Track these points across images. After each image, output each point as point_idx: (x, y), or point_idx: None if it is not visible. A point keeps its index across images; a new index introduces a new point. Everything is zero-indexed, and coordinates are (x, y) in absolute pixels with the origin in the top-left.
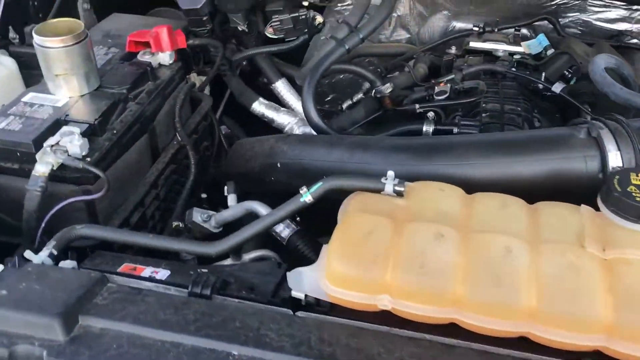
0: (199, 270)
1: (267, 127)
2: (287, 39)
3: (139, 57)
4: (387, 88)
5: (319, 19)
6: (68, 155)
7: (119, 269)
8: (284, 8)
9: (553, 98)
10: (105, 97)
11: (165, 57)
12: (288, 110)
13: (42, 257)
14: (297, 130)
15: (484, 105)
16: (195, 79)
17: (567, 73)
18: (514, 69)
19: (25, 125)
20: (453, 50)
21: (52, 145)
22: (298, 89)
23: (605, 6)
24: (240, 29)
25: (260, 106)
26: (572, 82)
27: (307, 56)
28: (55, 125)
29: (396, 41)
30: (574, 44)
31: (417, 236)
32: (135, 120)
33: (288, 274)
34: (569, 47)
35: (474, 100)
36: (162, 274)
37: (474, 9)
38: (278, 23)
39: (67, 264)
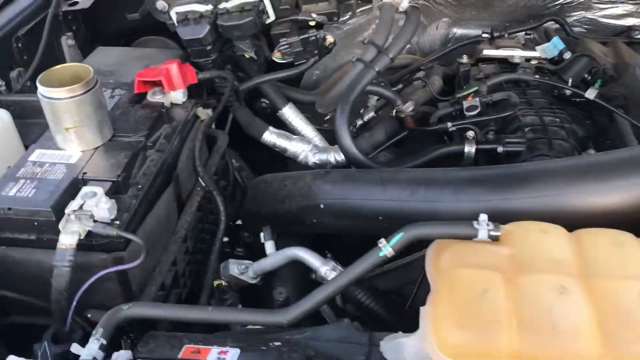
0: (270, 344)
1: (269, 155)
2: (296, 62)
3: (149, 98)
4: (409, 107)
5: (330, 39)
6: (95, 221)
7: (181, 354)
8: (291, 30)
9: (580, 103)
10: (122, 148)
11: (178, 96)
12: (300, 138)
13: (92, 350)
14: (313, 158)
15: (521, 118)
16: (201, 112)
17: (587, 76)
18: (537, 76)
19: (39, 190)
20: (465, 59)
21: (75, 211)
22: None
23: (611, 2)
24: (247, 56)
25: (271, 136)
26: (596, 85)
27: (305, 77)
28: (74, 187)
29: None
30: (591, 44)
31: (537, 292)
32: (159, 170)
33: (383, 343)
34: (587, 48)
35: (511, 114)
36: (232, 354)
37: (476, 14)
38: (287, 46)
39: (122, 355)
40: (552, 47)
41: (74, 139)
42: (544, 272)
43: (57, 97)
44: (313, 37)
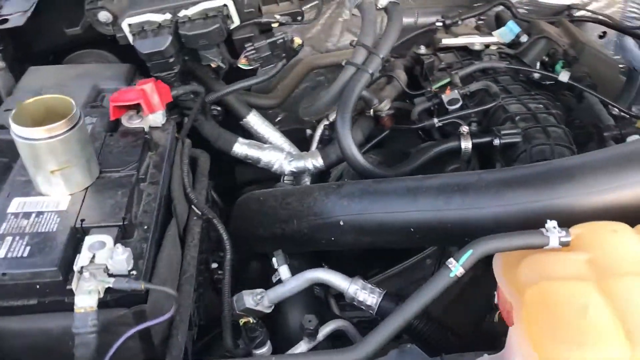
0: None
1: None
2: (263, 67)
3: (125, 123)
4: (386, 105)
5: (298, 40)
6: (110, 275)
7: None
8: (255, 34)
9: (547, 86)
10: (115, 185)
11: (157, 118)
12: (272, 146)
13: None
14: (289, 166)
15: (506, 107)
16: None
17: (545, 58)
18: (505, 63)
19: (34, 247)
20: (423, 49)
21: (85, 266)
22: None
23: None
24: (214, 65)
25: (241, 147)
26: (558, 67)
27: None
28: (74, 238)
29: (345, 47)
30: (544, 26)
31: (635, 297)
32: (159, 205)
33: None
34: (543, 30)
35: (495, 104)
36: None
37: (420, 2)
38: (253, 51)
39: None
40: (508, 31)
41: (60, 182)
42: (631, 274)
43: (38, 137)
44: (281, 40)
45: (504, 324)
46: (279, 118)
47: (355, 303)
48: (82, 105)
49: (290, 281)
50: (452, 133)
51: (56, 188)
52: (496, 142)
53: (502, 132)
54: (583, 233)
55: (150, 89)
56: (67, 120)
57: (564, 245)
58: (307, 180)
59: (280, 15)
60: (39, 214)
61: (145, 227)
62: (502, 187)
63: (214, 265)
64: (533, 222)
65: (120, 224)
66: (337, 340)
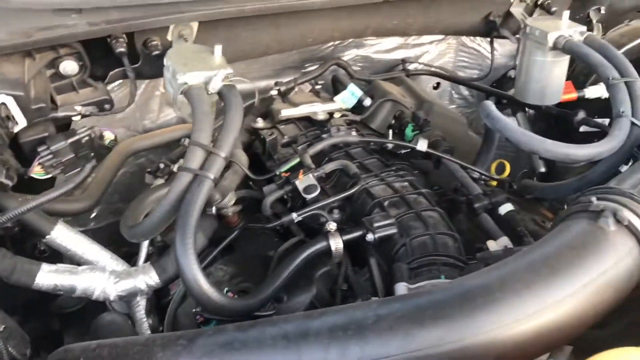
0: None
1: None
2: (66, 174)
3: None
4: (231, 199)
5: (109, 135)
6: None
7: None
8: (52, 133)
9: (401, 155)
10: None
11: None
12: (90, 267)
13: None
14: (115, 290)
15: (371, 191)
16: None
17: (393, 121)
18: (354, 132)
19: None
20: (260, 123)
21: None
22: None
23: (378, 37)
24: None
25: (48, 276)
26: (408, 131)
27: None
28: None
29: (167, 124)
30: (386, 86)
31: None
32: None
33: None
34: (387, 92)
35: (359, 189)
36: None
37: (245, 67)
38: (50, 156)
39: None
40: (350, 96)
41: None
42: None
43: None
44: (86, 137)
45: None
46: (93, 214)
47: None
48: None
49: None
50: (313, 226)
51: None
52: (369, 237)
53: (375, 224)
54: None
55: None
56: None
57: None
58: (141, 304)
59: (82, 105)
60: None
61: None
62: (410, 326)
63: None
64: None
65: None
66: None
